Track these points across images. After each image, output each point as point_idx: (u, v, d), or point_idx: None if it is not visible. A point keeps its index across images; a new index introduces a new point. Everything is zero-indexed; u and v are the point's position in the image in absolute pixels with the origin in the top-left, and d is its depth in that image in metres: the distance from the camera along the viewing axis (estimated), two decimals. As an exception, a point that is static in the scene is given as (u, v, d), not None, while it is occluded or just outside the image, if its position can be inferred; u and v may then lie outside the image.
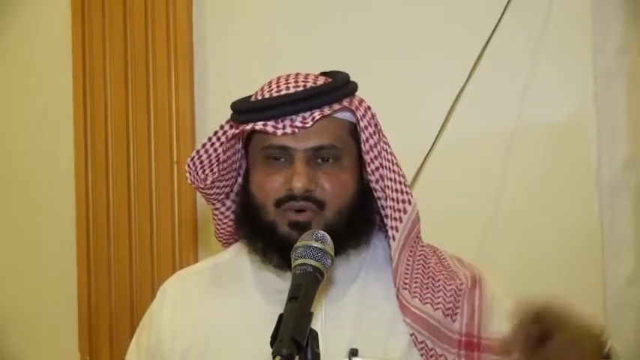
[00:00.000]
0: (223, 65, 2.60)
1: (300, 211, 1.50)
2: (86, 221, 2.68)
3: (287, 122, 1.50)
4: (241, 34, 2.59)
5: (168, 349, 1.60)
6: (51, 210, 2.78)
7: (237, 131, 1.54)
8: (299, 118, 1.50)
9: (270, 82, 1.56)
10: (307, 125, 1.49)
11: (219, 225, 1.70)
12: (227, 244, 1.75)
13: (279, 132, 1.49)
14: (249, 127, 1.52)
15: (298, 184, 1.48)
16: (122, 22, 2.66)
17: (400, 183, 1.55)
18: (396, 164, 1.56)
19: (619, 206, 2.30)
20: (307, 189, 1.49)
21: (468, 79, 2.35)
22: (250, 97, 1.60)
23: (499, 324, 1.50)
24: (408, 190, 1.57)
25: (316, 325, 1.49)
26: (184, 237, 2.60)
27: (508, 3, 2.33)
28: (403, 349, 1.52)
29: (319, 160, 1.52)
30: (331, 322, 1.53)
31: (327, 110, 1.51)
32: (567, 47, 2.33)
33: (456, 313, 1.55)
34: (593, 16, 2.30)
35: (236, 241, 1.72)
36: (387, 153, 1.55)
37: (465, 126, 2.38)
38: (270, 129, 1.50)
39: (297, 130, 1.49)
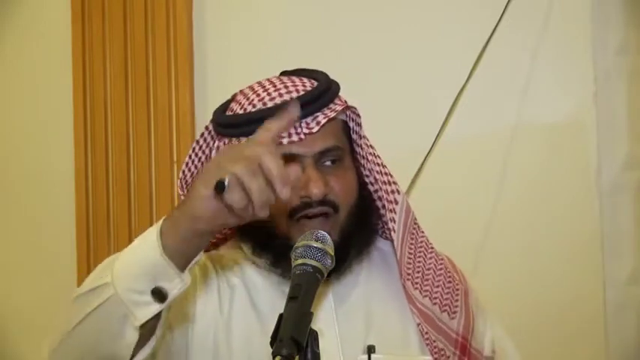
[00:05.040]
0: (223, 65, 2.60)
1: (313, 217, 1.46)
2: (86, 221, 2.68)
3: (291, 130, 1.44)
4: (241, 33, 2.59)
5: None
6: (51, 210, 2.77)
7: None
8: (303, 124, 1.45)
9: (255, 90, 1.51)
10: (314, 130, 1.45)
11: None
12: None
13: (285, 140, 1.44)
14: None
15: (316, 190, 1.44)
16: (122, 22, 2.66)
17: (386, 174, 1.54)
18: (378, 156, 1.54)
19: (619, 206, 2.29)
20: (324, 194, 1.46)
21: (468, 79, 2.35)
22: (226, 106, 1.55)
23: (481, 336, 1.57)
24: (395, 180, 1.55)
25: (330, 326, 1.50)
26: (184, 237, 2.59)
27: (508, 3, 2.33)
28: (418, 343, 1.53)
29: (326, 164, 1.49)
30: (344, 322, 1.52)
31: (330, 113, 1.47)
32: (567, 47, 2.33)
33: (455, 312, 1.55)
34: (593, 16, 2.29)
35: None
36: (368, 146, 1.54)
37: (465, 126, 2.38)
38: None
39: (304, 137, 1.45)
